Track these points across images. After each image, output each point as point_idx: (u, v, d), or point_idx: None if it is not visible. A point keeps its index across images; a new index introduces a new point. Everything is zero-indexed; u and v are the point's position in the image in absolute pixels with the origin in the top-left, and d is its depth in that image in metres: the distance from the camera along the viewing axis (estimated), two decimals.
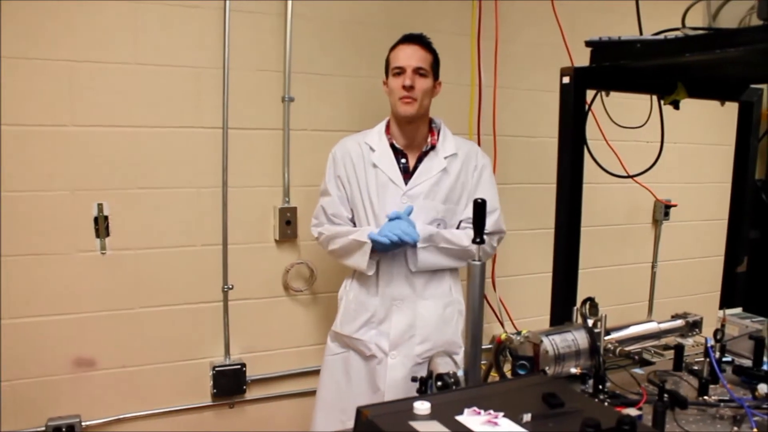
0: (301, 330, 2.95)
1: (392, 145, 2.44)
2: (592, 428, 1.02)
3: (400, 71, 2.35)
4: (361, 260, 2.35)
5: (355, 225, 2.47)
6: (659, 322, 1.92)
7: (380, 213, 2.38)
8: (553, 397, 1.18)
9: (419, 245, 2.32)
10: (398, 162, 2.42)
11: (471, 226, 2.38)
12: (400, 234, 2.23)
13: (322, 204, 2.50)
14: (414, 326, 2.39)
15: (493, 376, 1.68)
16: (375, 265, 2.38)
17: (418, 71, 2.34)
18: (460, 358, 2.30)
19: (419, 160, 2.43)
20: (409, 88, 2.32)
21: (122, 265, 2.58)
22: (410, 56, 2.35)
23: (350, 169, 2.44)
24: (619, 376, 1.80)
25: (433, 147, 2.43)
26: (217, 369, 2.77)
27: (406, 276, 2.39)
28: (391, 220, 2.28)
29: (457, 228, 2.46)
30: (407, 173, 2.42)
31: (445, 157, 2.42)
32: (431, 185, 2.39)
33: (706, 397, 1.67)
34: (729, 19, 1.59)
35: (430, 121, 2.49)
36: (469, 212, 2.44)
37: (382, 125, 2.49)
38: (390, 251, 2.32)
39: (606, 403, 1.55)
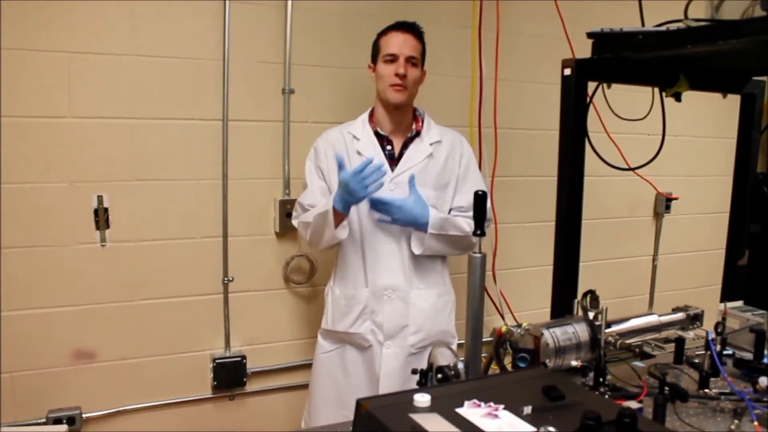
0: (301, 322, 2.95)
1: (377, 133, 2.43)
2: (592, 421, 1.01)
3: (393, 59, 2.34)
4: (329, 231, 2.27)
5: None
6: (660, 315, 1.92)
7: (365, 202, 2.33)
8: (553, 389, 1.18)
9: (430, 231, 2.30)
10: (383, 149, 2.41)
11: (463, 215, 2.40)
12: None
13: (301, 196, 2.48)
14: (407, 316, 2.39)
15: (494, 368, 1.68)
16: (347, 227, 2.31)
17: (410, 60, 2.34)
18: (453, 348, 2.30)
19: (405, 147, 2.43)
20: (402, 77, 2.32)
21: (122, 257, 2.58)
22: (403, 44, 2.35)
23: (332, 158, 2.40)
24: (619, 368, 1.80)
25: (418, 133, 2.44)
26: (217, 361, 2.77)
27: (397, 265, 2.38)
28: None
29: None
30: (393, 160, 2.41)
31: (431, 144, 2.42)
32: (419, 171, 2.38)
33: (706, 390, 1.67)
34: (731, 11, 1.58)
35: (414, 110, 2.49)
36: (459, 201, 2.44)
37: (365, 115, 2.48)
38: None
39: (606, 396, 1.55)
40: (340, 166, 2.20)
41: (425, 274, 2.42)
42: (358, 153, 2.39)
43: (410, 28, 2.39)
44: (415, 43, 2.37)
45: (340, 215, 2.26)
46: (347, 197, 2.20)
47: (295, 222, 2.52)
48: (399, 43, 2.35)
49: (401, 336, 2.38)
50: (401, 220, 2.29)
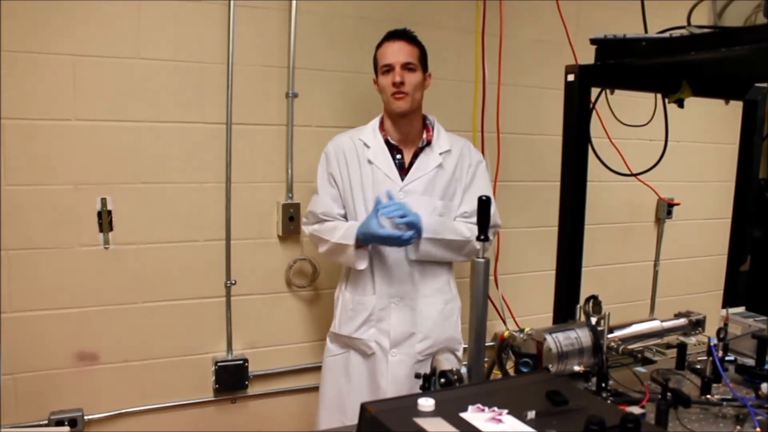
0: (303, 326, 2.95)
1: (387, 141, 2.43)
2: (596, 426, 1.02)
3: (389, 68, 2.36)
4: (348, 260, 2.36)
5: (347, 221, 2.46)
6: (662, 321, 1.92)
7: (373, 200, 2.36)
8: (557, 394, 1.19)
9: (425, 235, 2.30)
10: (393, 158, 2.42)
11: (466, 220, 2.40)
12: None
13: (313, 203, 2.50)
14: (414, 324, 2.39)
15: (495, 373, 1.68)
16: (367, 258, 2.37)
17: (406, 66, 2.35)
18: (460, 354, 2.30)
19: (415, 156, 2.43)
20: (400, 84, 2.32)
21: (125, 259, 2.59)
22: (397, 52, 2.36)
23: (343, 166, 2.43)
24: (621, 374, 1.80)
25: (429, 143, 2.44)
26: (219, 364, 2.77)
27: (404, 273, 2.38)
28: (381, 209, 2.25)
29: None
30: (402, 169, 2.41)
31: (440, 153, 2.42)
32: (428, 181, 2.39)
33: (708, 396, 1.67)
34: (734, 18, 1.58)
35: (424, 118, 2.49)
36: (464, 208, 2.45)
37: (375, 121, 2.49)
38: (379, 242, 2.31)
39: (609, 401, 1.55)
40: (377, 204, 2.24)
41: (432, 281, 2.43)
42: (369, 162, 2.40)
43: (401, 35, 2.40)
44: (410, 48, 2.38)
45: (359, 245, 2.32)
46: (368, 236, 2.28)
47: (306, 230, 2.54)
48: (393, 52, 2.36)
49: (408, 343, 2.39)
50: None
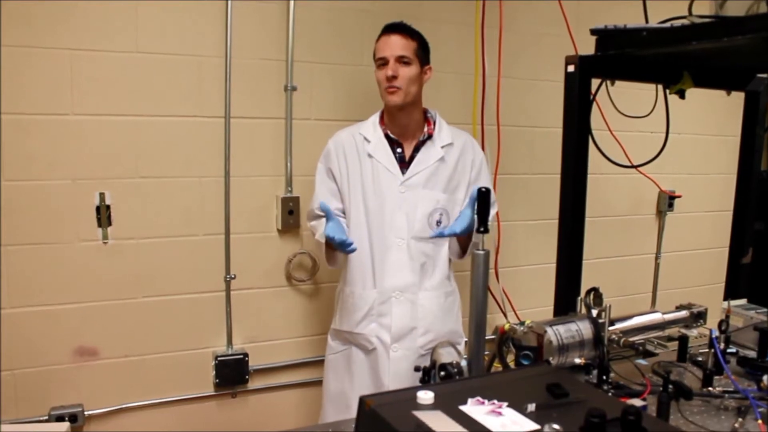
0: (303, 320, 2.95)
1: (387, 136, 2.42)
2: (597, 418, 1.01)
3: (384, 62, 2.34)
4: (324, 257, 2.44)
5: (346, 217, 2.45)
6: (663, 313, 1.92)
7: (374, 204, 2.36)
8: (557, 387, 1.18)
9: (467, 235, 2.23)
10: (394, 152, 2.41)
11: None
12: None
13: (312, 199, 2.49)
14: (415, 318, 2.38)
15: (496, 366, 1.67)
16: (336, 260, 2.44)
17: (400, 60, 2.32)
18: (461, 348, 2.29)
19: (416, 150, 2.41)
20: (392, 78, 2.31)
21: (124, 254, 2.58)
22: (392, 46, 2.34)
23: (342, 161, 2.42)
24: (622, 366, 1.80)
25: (430, 136, 2.42)
26: (219, 359, 2.77)
27: (405, 266, 2.37)
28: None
29: None
30: (403, 163, 2.40)
31: (442, 147, 2.41)
32: (429, 174, 2.37)
33: (710, 388, 1.67)
34: (736, 8, 1.57)
35: (425, 111, 2.48)
36: None
37: (376, 116, 2.48)
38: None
39: (610, 394, 1.55)
40: (328, 216, 2.23)
41: (432, 274, 2.42)
42: (369, 156, 2.39)
43: (397, 28, 2.38)
44: (404, 41, 2.35)
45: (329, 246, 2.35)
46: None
47: (308, 224, 2.55)
48: (387, 46, 2.35)
49: (410, 338, 2.37)
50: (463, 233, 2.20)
